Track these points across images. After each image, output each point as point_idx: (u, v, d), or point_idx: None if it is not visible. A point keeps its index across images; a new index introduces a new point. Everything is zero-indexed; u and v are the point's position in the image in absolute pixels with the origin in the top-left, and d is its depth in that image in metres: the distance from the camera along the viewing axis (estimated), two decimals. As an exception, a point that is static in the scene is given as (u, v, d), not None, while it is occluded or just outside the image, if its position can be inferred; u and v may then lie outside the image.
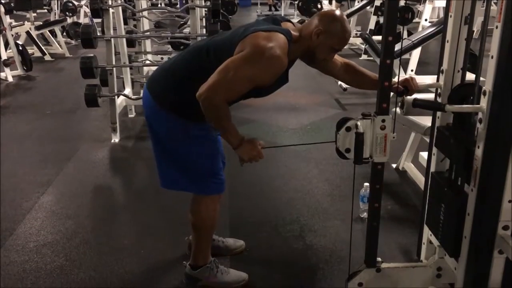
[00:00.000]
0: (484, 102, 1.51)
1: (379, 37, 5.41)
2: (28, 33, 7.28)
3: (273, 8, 13.91)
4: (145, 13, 5.26)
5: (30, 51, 6.92)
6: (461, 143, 1.67)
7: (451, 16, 1.77)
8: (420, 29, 5.64)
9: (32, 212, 2.87)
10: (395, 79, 1.84)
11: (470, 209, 1.63)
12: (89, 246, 2.51)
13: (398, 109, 2.18)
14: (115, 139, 4.07)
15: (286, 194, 3.07)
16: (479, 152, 1.55)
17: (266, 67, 1.71)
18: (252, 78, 1.72)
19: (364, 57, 7.10)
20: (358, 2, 7.93)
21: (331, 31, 1.78)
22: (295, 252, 2.44)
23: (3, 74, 6.25)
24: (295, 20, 1.94)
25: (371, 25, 7.26)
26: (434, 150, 1.95)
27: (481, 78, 1.62)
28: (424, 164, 2.53)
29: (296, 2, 7.10)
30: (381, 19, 7.14)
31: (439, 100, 1.88)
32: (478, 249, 1.63)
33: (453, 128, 1.78)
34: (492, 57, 1.46)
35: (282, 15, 11.95)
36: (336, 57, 2.00)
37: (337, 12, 1.83)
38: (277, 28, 1.77)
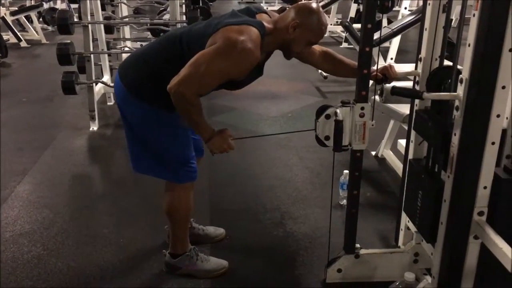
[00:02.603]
0: (460, 90, 1.53)
1: (359, 25, 5.43)
2: (3, 18, 7.10)
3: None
4: (123, -2, 5.17)
5: (5, 37, 6.75)
6: (439, 126, 1.68)
7: (429, 4, 1.78)
8: (400, 17, 5.67)
9: (8, 201, 2.82)
10: (374, 67, 1.85)
11: (446, 195, 1.65)
12: (67, 236, 2.48)
13: (377, 97, 2.20)
14: (94, 127, 4.02)
15: (267, 181, 3.08)
16: (455, 139, 1.57)
17: (237, 61, 1.70)
18: (223, 72, 1.72)
19: (344, 45, 7.12)
20: (339, -11, 7.90)
21: (307, 25, 1.77)
22: (275, 239, 2.46)
23: (-23, 61, 6.11)
24: (276, 8, 1.92)
25: (352, 13, 7.28)
26: (412, 137, 1.97)
27: (459, 66, 1.64)
28: (403, 151, 2.56)
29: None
30: (362, 7, 7.15)
31: (417, 88, 1.90)
32: (454, 235, 1.66)
33: (431, 111, 1.79)
34: (469, 45, 1.48)
35: (263, 3, 11.88)
36: (315, 45, 2.00)
37: (314, 4, 1.80)
38: (250, 21, 1.76)
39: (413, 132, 1.96)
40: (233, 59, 1.69)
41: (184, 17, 4.96)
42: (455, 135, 1.58)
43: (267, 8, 1.99)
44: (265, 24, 1.78)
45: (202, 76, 1.69)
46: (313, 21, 1.77)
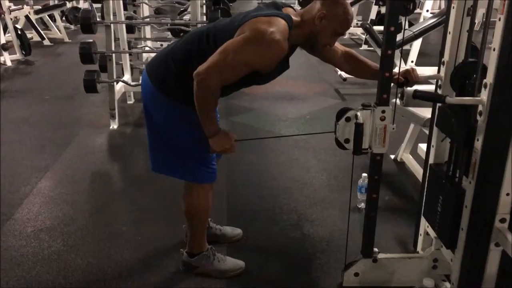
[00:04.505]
0: (484, 95, 1.51)
1: (380, 27, 5.40)
2: (27, 17, 7.22)
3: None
4: (145, -1, 5.22)
5: (29, 36, 6.87)
6: (463, 122, 1.64)
7: (453, 8, 1.76)
8: (421, 20, 5.61)
9: (30, 197, 2.87)
10: (396, 70, 1.83)
11: (467, 201, 1.63)
12: (87, 232, 2.51)
13: (398, 100, 2.18)
14: (114, 125, 4.06)
15: (284, 183, 3.07)
16: (478, 144, 1.55)
17: (265, 51, 1.69)
18: (250, 62, 1.72)
19: (364, 47, 7.06)
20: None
21: (334, 15, 1.76)
22: (292, 241, 2.45)
23: (1, 58, 6.22)
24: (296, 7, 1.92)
25: (372, 15, 7.23)
26: (433, 141, 1.95)
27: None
28: (423, 156, 2.53)
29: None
30: (382, 9, 7.10)
31: (439, 92, 1.88)
32: (475, 242, 1.64)
33: (455, 106, 1.74)
34: (494, 50, 1.46)
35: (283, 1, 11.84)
36: (337, 45, 1.99)
37: None
38: (278, 13, 1.76)
39: (434, 136, 1.94)
40: (261, 50, 1.68)
41: (204, 18, 4.99)
42: (477, 140, 1.56)
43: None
44: (293, 16, 1.78)
45: (228, 65, 1.69)
46: (339, 12, 1.76)
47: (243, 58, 1.69)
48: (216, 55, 1.69)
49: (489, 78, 1.48)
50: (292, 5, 1.91)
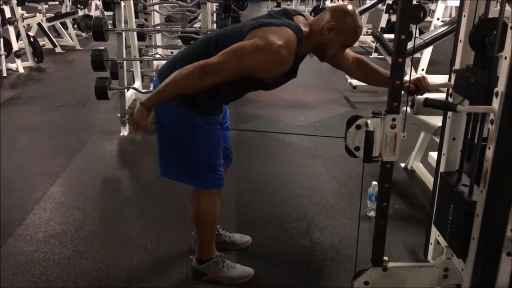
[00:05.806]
0: (496, 103, 1.50)
1: (390, 35, 5.39)
2: (39, 25, 7.32)
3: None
4: (156, 7, 5.27)
5: (41, 43, 6.96)
6: (483, 81, 1.61)
7: (464, 16, 1.76)
8: (432, 28, 5.60)
9: (41, 202, 2.89)
10: (407, 78, 1.83)
11: (479, 210, 1.62)
12: (97, 238, 2.53)
13: (408, 108, 2.18)
14: (124, 132, 4.09)
15: (293, 190, 3.07)
16: (489, 153, 1.54)
17: (268, 64, 1.70)
18: (251, 68, 1.72)
19: (374, 55, 7.06)
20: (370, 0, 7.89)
21: (343, 27, 1.77)
22: (302, 248, 2.45)
23: (14, 65, 6.30)
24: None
25: (383, 23, 7.22)
26: (444, 149, 1.94)
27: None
28: (433, 164, 2.52)
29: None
30: (393, 17, 7.09)
31: (450, 100, 1.87)
32: (486, 251, 1.62)
33: (473, 69, 1.72)
34: (505, 58, 1.45)
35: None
36: (348, 51, 1.99)
37: (349, 7, 1.80)
38: (288, 23, 1.76)
39: (445, 144, 1.93)
40: (264, 61, 1.69)
41: (214, 26, 5.02)
42: (489, 149, 1.55)
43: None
44: (302, 28, 1.79)
45: (233, 65, 1.69)
46: (348, 23, 1.77)
47: (247, 63, 1.70)
48: (224, 54, 1.69)
49: (501, 87, 1.47)
50: (302, 13, 1.91)
